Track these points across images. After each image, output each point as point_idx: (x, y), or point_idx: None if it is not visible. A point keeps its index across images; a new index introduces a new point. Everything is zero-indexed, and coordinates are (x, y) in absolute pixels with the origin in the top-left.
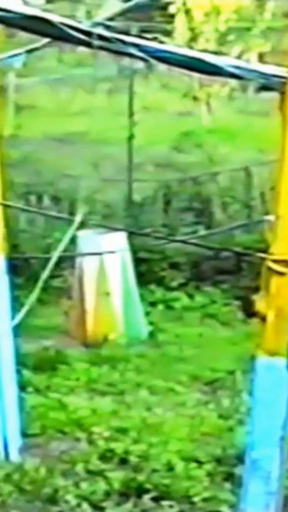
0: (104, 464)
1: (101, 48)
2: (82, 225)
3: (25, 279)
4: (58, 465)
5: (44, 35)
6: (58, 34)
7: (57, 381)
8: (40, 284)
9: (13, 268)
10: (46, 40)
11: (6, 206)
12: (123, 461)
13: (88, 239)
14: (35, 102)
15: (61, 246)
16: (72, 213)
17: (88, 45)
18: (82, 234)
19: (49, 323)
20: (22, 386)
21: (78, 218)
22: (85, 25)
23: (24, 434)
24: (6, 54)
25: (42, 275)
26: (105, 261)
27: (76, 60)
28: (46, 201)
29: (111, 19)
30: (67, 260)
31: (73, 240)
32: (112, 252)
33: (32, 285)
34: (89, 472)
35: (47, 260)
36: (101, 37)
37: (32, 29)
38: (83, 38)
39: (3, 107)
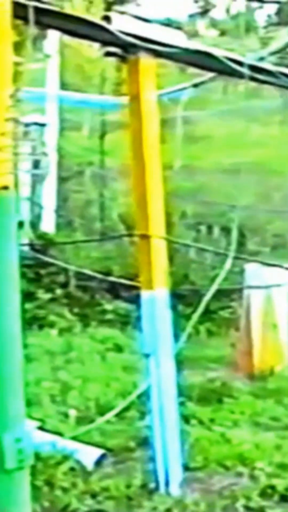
0: (265, 501)
1: (269, 83)
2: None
3: (194, 310)
4: (219, 501)
5: (206, 68)
6: (219, 68)
7: (222, 414)
8: (196, 315)
9: (182, 299)
10: (211, 74)
11: (167, 240)
12: (284, 498)
13: (255, 272)
14: (205, 134)
15: (219, 279)
16: (241, 243)
17: (253, 79)
18: (249, 266)
19: (217, 354)
20: (186, 419)
21: (231, 253)
22: (250, 59)
23: (186, 468)
24: (174, 87)
25: (214, 306)
26: (272, 293)
27: (242, 92)
28: (216, 231)
29: (277, 52)
30: (237, 292)
31: (241, 272)
32: (279, 285)
33: (201, 316)
34: (249, 508)
35: (216, 291)
36: (262, 71)
37: (195, 63)
38: (246, 72)
39: (173, 139)
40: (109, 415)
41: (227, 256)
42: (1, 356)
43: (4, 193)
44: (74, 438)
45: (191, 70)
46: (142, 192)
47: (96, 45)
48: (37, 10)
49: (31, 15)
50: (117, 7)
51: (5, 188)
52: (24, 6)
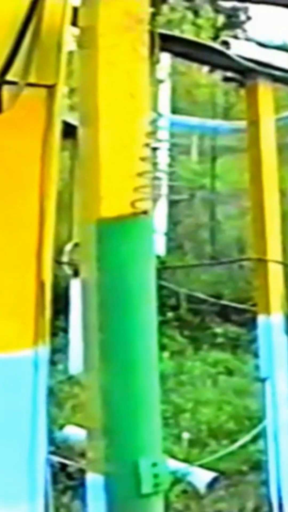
0: None
1: None
2: None
3: None
4: None
5: None
6: None
7: None
8: None
9: None
10: None
11: (286, 265)
12: None
13: None
14: None
15: None
16: None
17: None
18: None
19: None
20: None
21: None
22: None
23: None
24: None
25: None
26: None
27: None
28: None
29: None
30: None
31: None
32: None
33: None
34: None
35: None
36: None
37: None
38: None
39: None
40: (241, 442)
41: None
42: (139, 379)
43: (145, 218)
44: (187, 461)
45: None
46: (259, 216)
47: (205, 70)
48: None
49: (157, 42)
50: (226, 32)
51: (145, 213)
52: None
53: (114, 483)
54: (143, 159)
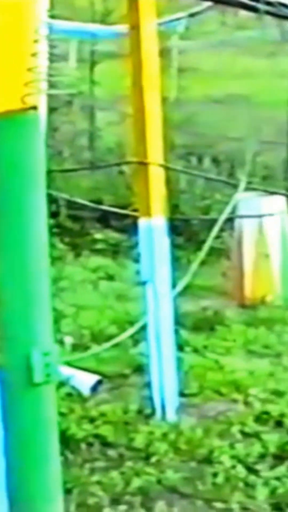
0: (260, 426)
1: (266, 12)
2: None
3: (185, 240)
4: (214, 426)
5: None
6: None
7: (215, 342)
8: (206, 247)
9: (173, 229)
10: (208, 3)
11: (166, 168)
12: (279, 424)
13: (247, 202)
14: (198, 65)
15: (228, 209)
16: (231, 175)
17: (253, 9)
18: (241, 196)
19: (208, 283)
20: (180, 346)
21: (242, 183)
22: None
23: (181, 394)
24: (169, 17)
25: (204, 236)
26: (264, 224)
27: (238, 23)
28: (207, 162)
29: None
30: (227, 222)
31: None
32: (272, 214)
33: (192, 246)
34: (244, 434)
35: (207, 221)
36: (266, 3)
37: None
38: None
39: (167, 70)
40: (115, 341)
41: (220, 186)
42: (30, 273)
43: (34, 113)
44: (70, 364)
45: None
46: (140, 120)
47: None
48: None
49: None
50: None
51: (34, 108)
52: None
53: (7, 373)
54: (34, 54)
